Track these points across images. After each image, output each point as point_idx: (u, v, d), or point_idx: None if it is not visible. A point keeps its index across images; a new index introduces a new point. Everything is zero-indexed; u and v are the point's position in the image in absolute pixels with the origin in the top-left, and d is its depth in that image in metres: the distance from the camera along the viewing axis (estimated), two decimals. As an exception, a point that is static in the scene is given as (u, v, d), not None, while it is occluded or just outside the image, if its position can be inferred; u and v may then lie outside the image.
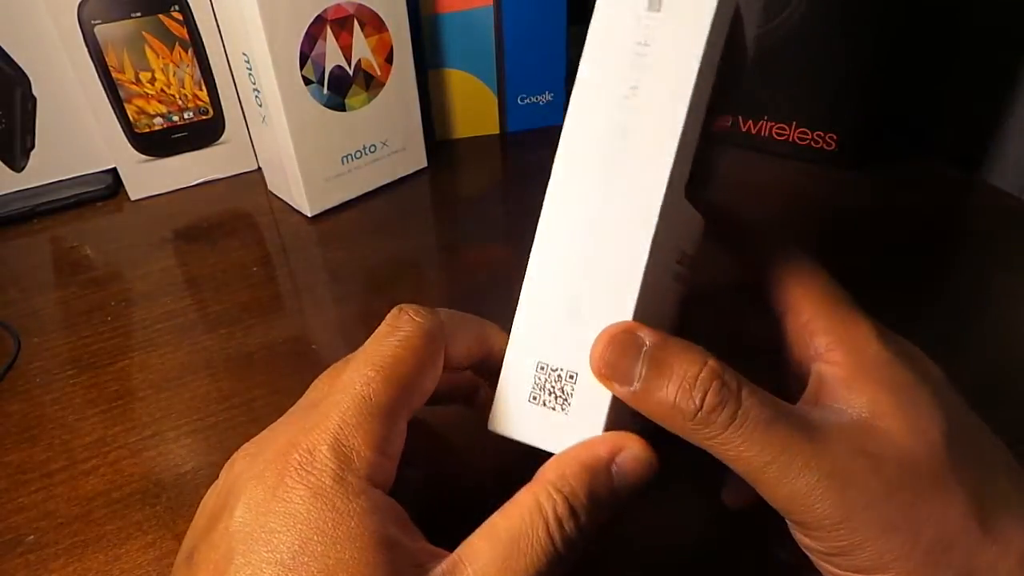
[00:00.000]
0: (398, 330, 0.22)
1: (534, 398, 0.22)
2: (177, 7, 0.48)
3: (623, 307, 0.21)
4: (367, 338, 0.23)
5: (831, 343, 0.23)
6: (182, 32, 0.49)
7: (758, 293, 0.26)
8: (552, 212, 0.22)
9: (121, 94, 0.49)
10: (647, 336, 0.20)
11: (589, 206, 0.21)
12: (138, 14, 0.47)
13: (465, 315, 0.25)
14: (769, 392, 0.20)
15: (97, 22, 0.46)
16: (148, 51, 0.48)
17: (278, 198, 0.51)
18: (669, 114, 0.20)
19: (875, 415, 0.21)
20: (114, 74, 0.48)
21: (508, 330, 0.22)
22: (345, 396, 0.20)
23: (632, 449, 0.21)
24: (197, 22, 0.49)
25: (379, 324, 0.23)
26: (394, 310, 0.23)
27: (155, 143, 0.51)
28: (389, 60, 0.48)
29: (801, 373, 0.24)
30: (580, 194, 0.21)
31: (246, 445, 0.22)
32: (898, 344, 0.23)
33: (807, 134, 0.51)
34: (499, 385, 0.22)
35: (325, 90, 0.45)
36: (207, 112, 0.52)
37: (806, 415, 0.21)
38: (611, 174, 0.21)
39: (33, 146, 0.51)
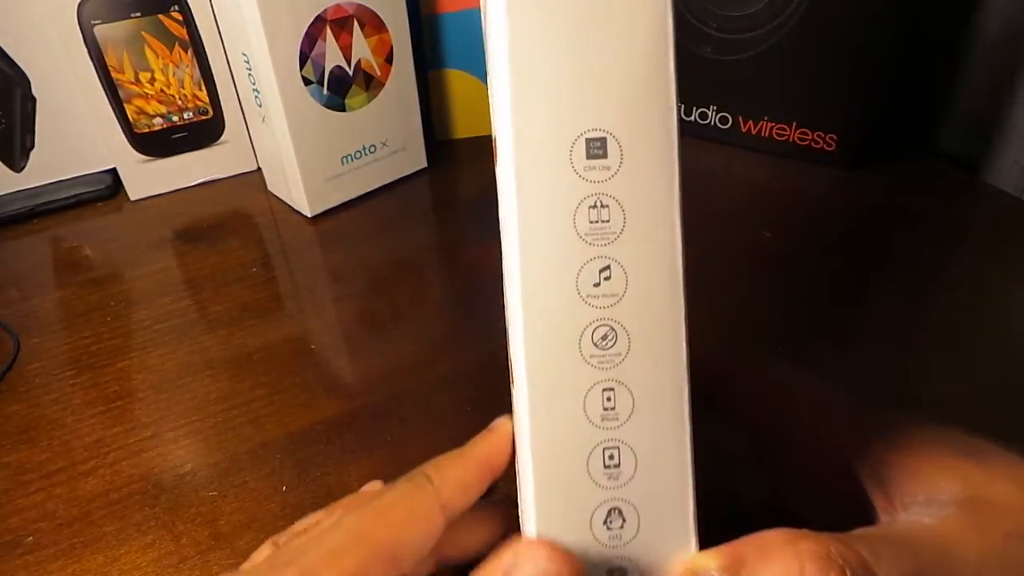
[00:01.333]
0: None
1: None
2: (177, 7, 0.48)
3: (684, 545, 0.16)
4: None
5: (861, 440, 0.20)
6: (182, 32, 0.49)
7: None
8: (538, 457, 0.16)
9: (121, 94, 0.49)
10: (711, 561, 0.16)
11: (583, 432, 0.16)
12: (138, 14, 0.47)
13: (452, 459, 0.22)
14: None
15: (97, 22, 0.46)
16: (148, 51, 0.48)
17: (278, 198, 0.51)
18: (668, 301, 0.16)
19: (972, 487, 0.18)
20: (114, 74, 0.48)
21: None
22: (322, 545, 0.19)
23: (527, 562, 0.16)
24: (197, 22, 0.49)
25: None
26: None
27: (155, 143, 0.51)
28: (389, 60, 0.48)
29: (826, 485, 0.21)
30: (569, 426, 0.16)
31: None
32: (909, 410, 0.21)
33: (807, 134, 0.51)
34: None
35: (325, 90, 0.45)
36: (207, 112, 0.52)
37: (919, 528, 0.17)
38: (606, 399, 0.16)
39: (33, 146, 0.51)
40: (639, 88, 0.16)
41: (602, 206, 0.16)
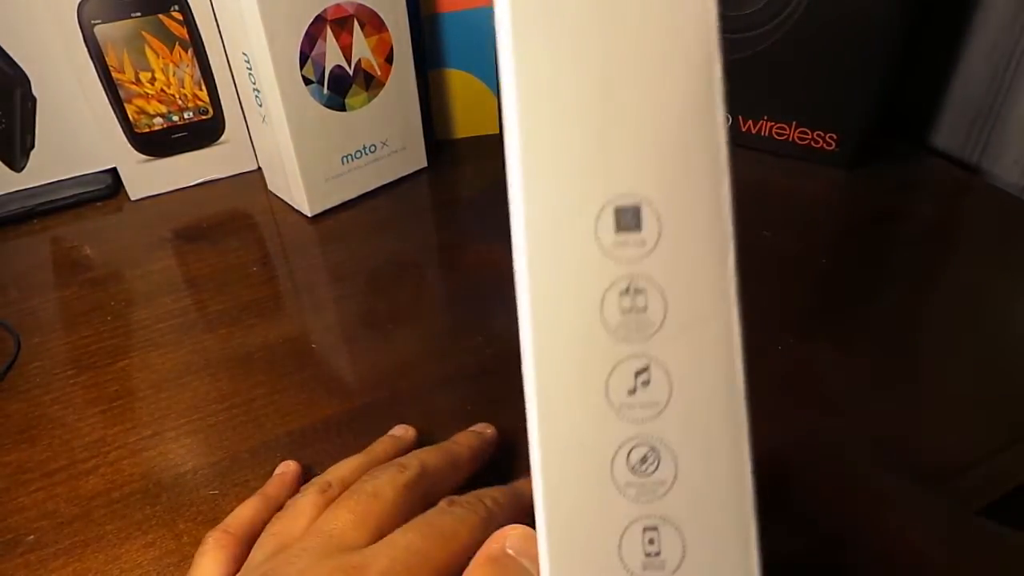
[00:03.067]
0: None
1: None
2: (177, 7, 0.48)
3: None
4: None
5: (966, 561, 0.19)
6: (182, 32, 0.49)
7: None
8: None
9: (121, 94, 0.49)
10: None
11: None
12: (138, 14, 0.47)
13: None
14: None
15: (97, 22, 0.46)
16: (148, 51, 0.48)
17: (278, 198, 0.51)
18: (725, 411, 0.13)
19: None
20: (114, 74, 0.48)
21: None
22: None
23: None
24: (197, 22, 0.49)
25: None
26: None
27: (155, 143, 0.51)
28: (389, 60, 0.48)
29: None
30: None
31: None
32: None
33: (807, 134, 0.51)
34: None
35: (325, 90, 0.45)
36: (207, 112, 0.52)
37: None
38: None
39: (33, 146, 0.51)
40: (680, 143, 0.12)
41: (637, 291, 0.13)
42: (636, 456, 0.13)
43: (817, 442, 0.23)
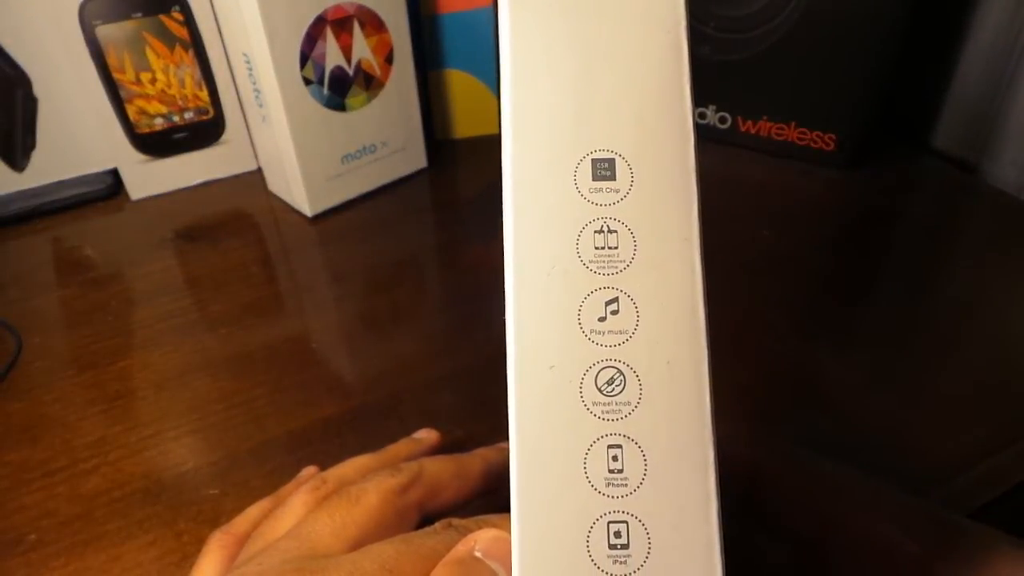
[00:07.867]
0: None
1: None
2: (178, 8, 0.48)
3: None
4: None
5: (926, 554, 0.19)
6: (183, 33, 0.49)
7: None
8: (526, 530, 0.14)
9: (122, 94, 0.49)
10: None
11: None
12: (139, 15, 0.47)
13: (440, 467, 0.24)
14: None
15: (98, 23, 0.46)
16: (149, 52, 0.49)
17: (278, 198, 0.51)
18: (686, 341, 0.14)
19: None
20: (115, 74, 0.48)
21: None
22: None
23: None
24: (197, 23, 0.49)
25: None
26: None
27: (156, 143, 0.51)
28: (389, 60, 0.48)
29: None
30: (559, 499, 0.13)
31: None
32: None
33: (806, 134, 0.51)
34: None
35: (325, 90, 0.45)
36: (207, 112, 0.52)
37: None
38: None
39: (34, 146, 0.51)
40: (651, 108, 0.14)
41: (609, 231, 0.14)
42: (604, 377, 0.14)
43: (782, 443, 0.23)
